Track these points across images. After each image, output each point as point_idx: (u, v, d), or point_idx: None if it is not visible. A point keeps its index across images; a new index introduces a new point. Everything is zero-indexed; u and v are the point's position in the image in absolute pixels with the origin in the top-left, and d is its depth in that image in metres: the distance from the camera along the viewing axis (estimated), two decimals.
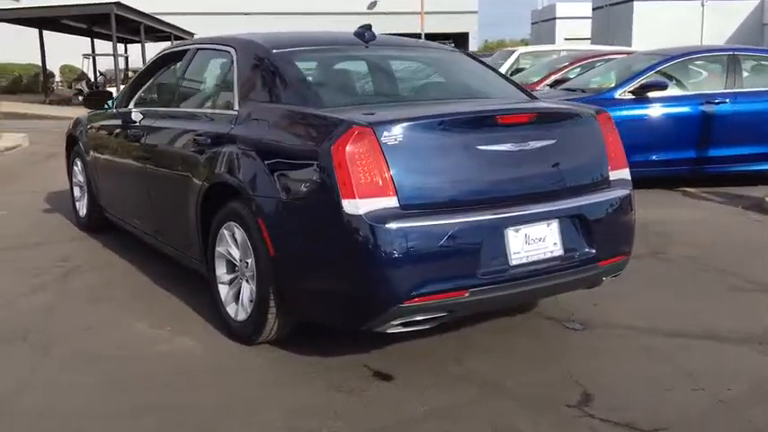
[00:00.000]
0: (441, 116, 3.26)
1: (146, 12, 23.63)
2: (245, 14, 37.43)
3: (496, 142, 3.26)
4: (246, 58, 3.87)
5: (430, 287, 3.04)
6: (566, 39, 51.84)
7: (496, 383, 3.24)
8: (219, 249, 3.73)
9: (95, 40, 28.44)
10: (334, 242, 3.05)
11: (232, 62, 3.97)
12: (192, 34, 31.92)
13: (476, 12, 50.71)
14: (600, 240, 3.53)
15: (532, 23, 67.15)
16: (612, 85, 8.01)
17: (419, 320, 3.13)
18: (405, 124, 3.11)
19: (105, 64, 29.55)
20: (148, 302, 4.30)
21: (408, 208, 3.02)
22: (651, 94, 7.77)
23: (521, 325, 3.94)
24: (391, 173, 3.00)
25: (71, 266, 5.07)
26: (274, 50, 3.85)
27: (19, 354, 3.61)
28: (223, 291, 3.76)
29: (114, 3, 20.16)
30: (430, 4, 46.98)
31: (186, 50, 4.64)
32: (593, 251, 3.49)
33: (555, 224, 3.38)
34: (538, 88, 10.02)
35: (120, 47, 26.27)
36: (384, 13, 47.30)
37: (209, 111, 4.13)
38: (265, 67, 3.73)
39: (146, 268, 4.93)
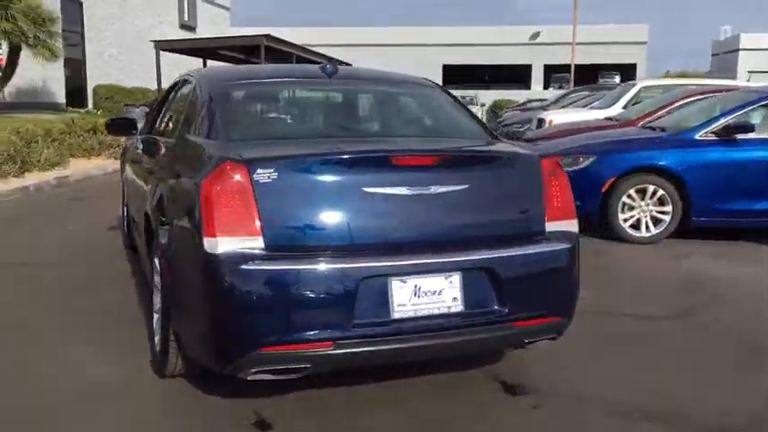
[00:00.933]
0: (322, 155, 3.10)
1: (296, 43, 24.82)
2: (399, 46, 38.28)
3: (389, 185, 3.03)
4: (198, 90, 3.91)
5: (290, 336, 2.88)
6: (749, 71, 48.11)
7: None
8: (155, 278, 3.77)
9: None
10: (196, 280, 2.98)
11: (191, 93, 4.04)
12: (348, 64, 33.19)
13: (645, 42, 48.55)
14: (516, 299, 3.19)
15: (713, 55, 63.02)
16: (695, 125, 7.28)
17: (283, 370, 2.97)
18: (282, 162, 2.99)
19: None
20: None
21: (275, 249, 2.89)
22: (739, 136, 6.98)
23: (459, 384, 3.63)
24: (260, 212, 2.88)
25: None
26: (217, 83, 3.87)
27: None
28: (154, 320, 3.79)
29: (264, 35, 21.37)
30: (598, 34, 45.68)
31: (178, 81, 4.78)
32: (506, 310, 3.16)
33: (456, 277, 3.09)
34: (640, 124, 9.36)
35: None
36: (545, 44, 46.61)
37: (167, 140, 4.21)
38: (203, 99, 3.73)
39: None
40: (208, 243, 2.86)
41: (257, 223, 2.87)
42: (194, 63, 26.32)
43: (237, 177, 2.89)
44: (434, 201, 3.11)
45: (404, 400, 3.43)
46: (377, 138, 3.82)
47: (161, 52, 21.45)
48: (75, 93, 24.86)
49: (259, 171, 2.91)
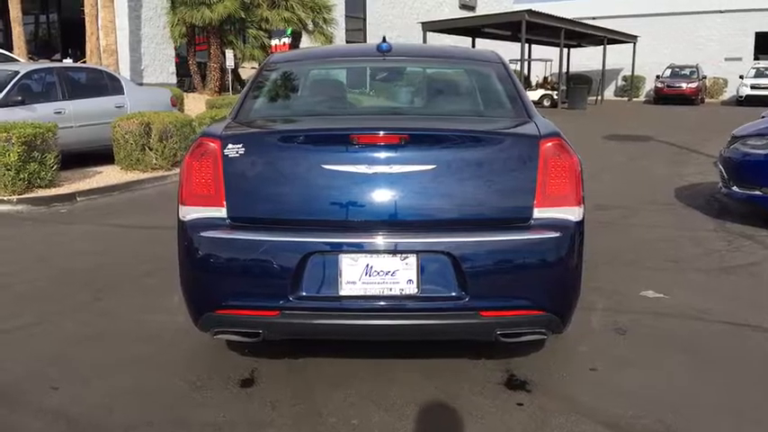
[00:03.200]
0: (285, 132, 3.20)
1: (568, 17, 24.10)
2: (696, 14, 34.73)
3: (349, 162, 3.05)
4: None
5: (241, 301, 3.07)
6: None
7: None
8: None
9: (533, 46, 30.00)
10: (177, 245, 3.29)
11: None
12: (633, 37, 31.29)
13: None
14: (481, 287, 3.02)
15: None
16: None
17: (238, 332, 3.17)
18: (250, 138, 3.17)
19: (538, 69, 30.97)
20: None
21: (237, 220, 3.09)
22: None
23: (460, 376, 3.53)
24: (226, 185, 3.10)
25: None
26: (271, 62, 4.12)
27: None
28: None
29: (526, 11, 21.16)
30: None
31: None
32: (467, 298, 3.01)
33: (412, 259, 3.02)
34: None
35: (554, 51, 27.10)
36: None
37: None
38: (258, 78, 4.02)
39: None
40: (180, 211, 3.17)
41: (222, 195, 3.09)
42: (466, 43, 26.95)
43: (209, 152, 3.13)
44: (396, 180, 3.05)
45: (388, 377, 3.43)
46: (392, 116, 3.76)
47: (430, 34, 22.31)
48: None
49: (230, 146, 3.12)
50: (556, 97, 25.95)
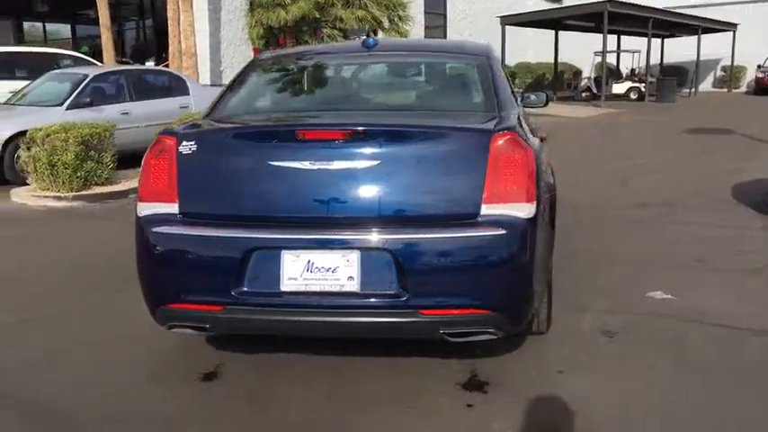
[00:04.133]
0: (236, 129, 3.24)
1: (655, 7, 23.16)
2: None
3: (293, 159, 3.06)
4: None
5: (189, 295, 3.15)
6: None
7: None
8: None
9: (622, 38, 29.00)
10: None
11: None
12: (732, 25, 29.69)
13: None
14: (422, 285, 2.98)
15: None
16: None
17: (189, 326, 3.24)
18: (204, 136, 3.25)
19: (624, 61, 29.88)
20: None
21: (188, 216, 3.16)
22: None
23: (425, 375, 3.48)
24: (179, 181, 3.18)
25: None
26: (257, 59, 4.19)
27: None
28: None
29: (607, 1, 20.48)
30: None
31: None
32: (407, 295, 2.97)
33: (354, 256, 3.00)
34: None
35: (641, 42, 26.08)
36: None
37: None
38: (239, 76, 4.08)
39: None
40: (137, 207, 3.27)
41: (175, 191, 3.17)
42: (547, 37, 26.37)
43: (165, 149, 3.22)
44: (340, 176, 3.05)
45: (353, 375, 3.43)
46: (353, 112, 3.73)
47: (509, 28, 21.96)
48: None
49: (184, 143, 3.20)
50: (643, 90, 24.97)
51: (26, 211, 7.97)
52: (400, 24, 20.71)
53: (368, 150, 3.06)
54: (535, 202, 3.07)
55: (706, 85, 32.89)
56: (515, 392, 3.24)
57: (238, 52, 19.23)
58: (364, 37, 4.07)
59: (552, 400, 3.19)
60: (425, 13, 26.17)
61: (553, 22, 23.84)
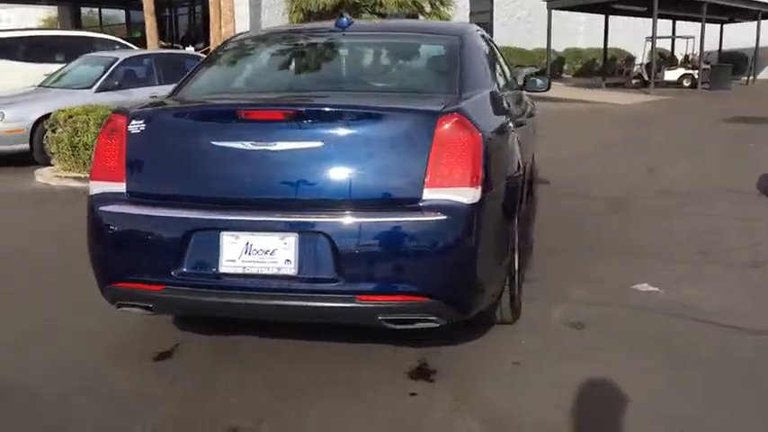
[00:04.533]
0: (181, 109, 3.21)
1: None
2: None
3: (235, 139, 3.02)
4: None
5: (133, 275, 3.14)
6: None
7: None
8: None
9: (678, 23, 28.07)
10: None
11: None
12: None
13: None
14: (359, 270, 2.91)
15: None
16: None
17: (135, 305, 3.23)
18: (152, 115, 3.23)
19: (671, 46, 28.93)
20: None
21: (134, 195, 3.15)
22: None
23: (375, 362, 3.41)
24: (127, 161, 3.17)
25: None
26: (230, 40, 4.16)
27: None
28: None
29: None
30: None
31: None
32: (343, 280, 2.91)
33: (292, 239, 2.95)
34: None
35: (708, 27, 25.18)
36: None
37: None
38: (211, 55, 4.07)
39: None
40: (90, 185, 3.28)
41: (123, 171, 3.17)
42: (595, 21, 25.67)
43: (116, 128, 3.21)
44: (280, 158, 3.00)
45: (304, 360, 3.39)
46: (314, 92, 3.65)
47: (555, 12, 21.49)
48: None
49: (133, 123, 3.19)
50: (697, 77, 24.14)
51: (48, 191, 8.15)
52: (441, 9, 20.45)
53: (309, 131, 3.01)
54: (480, 188, 2.96)
55: (766, 73, 31.63)
56: (463, 382, 3.16)
57: None
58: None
59: (500, 390, 3.09)
60: None
61: (601, 6, 23.17)
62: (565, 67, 28.09)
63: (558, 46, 26.91)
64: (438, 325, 3.07)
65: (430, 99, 3.30)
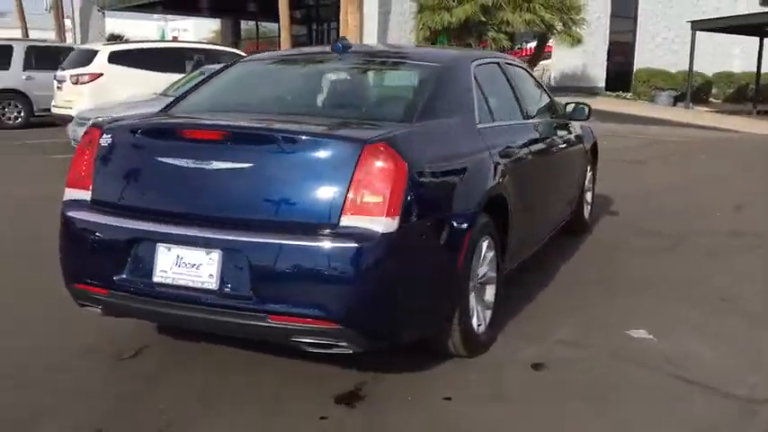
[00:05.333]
0: (137, 125, 3.40)
1: None
2: None
3: (177, 156, 3.20)
4: None
5: (87, 277, 3.38)
6: None
7: None
8: None
9: None
10: None
11: None
12: None
13: None
14: (271, 291, 2.99)
15: None
16: None
17: (89, 305, 3.45)
18: (117, 130, 3.46)
19: None
20: None
21: (96, 204, 3.40)
22: None
23: (312, 383, 3.45)
24: (94, 171, 3.44)
25: None
26: (236, 61, 4.38)
27: None
28: None
29: None
30: None
31: None
32: (256, 299, 2.99)
33: (216, 255, 3.07)
34: None
35: None
36: None
37: None
38: (211, 75, 4.30)
39: None
40: (64, 191, 3.57)
41: (90, 180, 3.44)
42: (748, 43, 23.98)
43: (91, 140, 3.49)
44: (213, 176, 3.13)
45: (247, 376, 3.49)
46: (284, 115, 3.73)
47: (700, 34, 20.37)
48: (619, 77, 25.46)
49: (104, 136, 3.45)
50: None
51: None
52: (573, 28, 19.96)
53: (240, 153, 3.12)
54: (399, 218, 2.94)
55: None
56: (381, 412, 3.12)
57: None
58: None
59: (408, 426, 3.02)
60: (612, 16, 24.97)
61: (753, 27, 21.59)
62: (714, 91, 26.40)
63: (709, 69, 25.40)
64: (351, 351, 3.07)
65: (372, 127, 3.31)
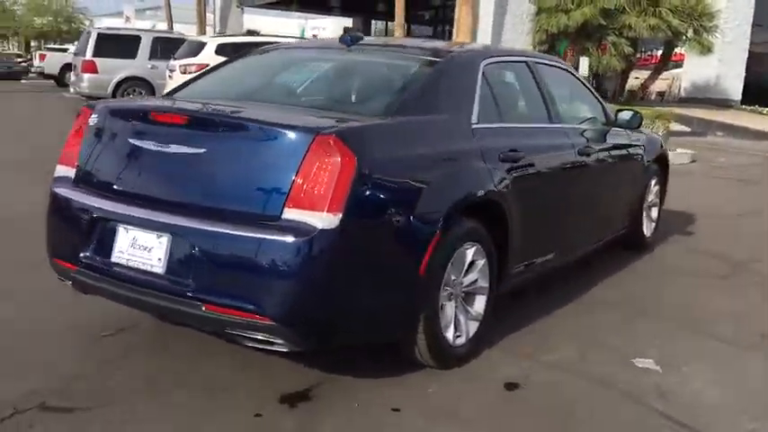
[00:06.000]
0: (114, 107, 3.44)
1: None
2: None
3: (143, 138, 3.22)
4: None
5: (60, 253, 3.47)
6: None
7: None
8: None
9: None
10: None
11: None
12: None
13: None
14: (208, 280, 2.94)
15: None
16: None
17: (66, 281, 3.52)
18: (102, 111, 3.51)
19: None
20: None
21: (77, 182, 3.49)
22: None
23: (265, 381, 3.37)
24: (80, 150, 3.52)
25: None
26: (252, 51, 4.39)
27: None
28: None
29: None
30: None
31: None
32: (195, 287, 2.95)
33: (166, 239, 3.06)
34: None
35: None
36: None
37: None
38: (223, 62, 4.34)
39: None
40: (56, 168, 3.68)
41: (76, 158, 3.53)
42: None
43: (82, 120, 3.58)
44: (172, 160, 3.14)
45: (203, 361, 3.47)
46: (267, 103, 3.65)
47: None
48: (758, 90, 23.65)
49: (92, 116, 3.53)
50: None
51: None
52: (704, 35, 18.73)
53: (197, 138, 3.10)
54: (341, 215, 2.80)
55: None
56: (319, 416, 3.00)
57: None
58: None
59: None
60: (755, 24, 23.24)
61: None
62: None
63: None
64: (287, 350, 2.96)
65: (338, 119, 3.17)
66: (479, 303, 3.64)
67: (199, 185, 3.06)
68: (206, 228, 2.95)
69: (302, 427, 2.91)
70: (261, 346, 3.02)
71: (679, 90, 23.74)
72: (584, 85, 5.08)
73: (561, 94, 4.62)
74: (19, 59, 40.33)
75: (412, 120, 3.30)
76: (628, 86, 21.54)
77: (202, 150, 3.05)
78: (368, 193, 2.90)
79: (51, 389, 3.12)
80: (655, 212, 6.15)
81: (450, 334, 3.44)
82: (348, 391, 3.22)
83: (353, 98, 3.75)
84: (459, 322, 3.52)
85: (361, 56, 4.04)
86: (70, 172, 3.52)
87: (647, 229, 6.02)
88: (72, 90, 18.42)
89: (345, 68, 4.09)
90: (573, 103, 4.79)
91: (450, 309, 3.45)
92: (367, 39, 4.07)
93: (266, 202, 2.89)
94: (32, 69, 33.13)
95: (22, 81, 30.70)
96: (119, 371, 3.33)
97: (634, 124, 5.08)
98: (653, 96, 24.33)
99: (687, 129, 18.81)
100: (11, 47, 60.14)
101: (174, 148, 3.11)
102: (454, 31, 18.50)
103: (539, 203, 4.10)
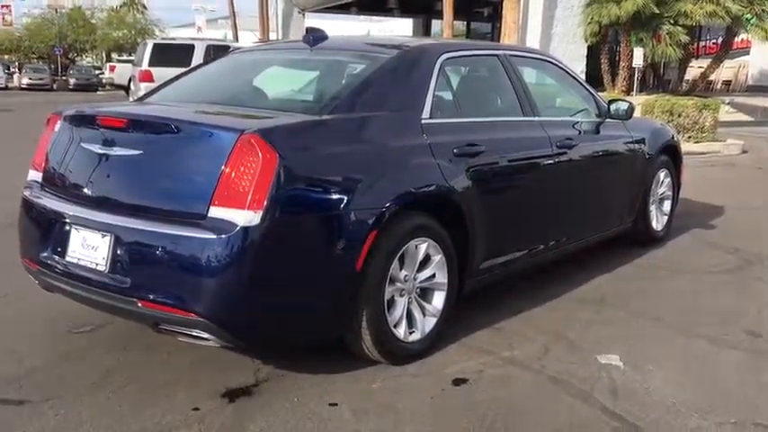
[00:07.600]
0: (73, 113, 3.55)
1: None
2: None
3: (93, 142, 3.35)
4: None
5: (27, 253, 3.63)
6: None
7: None
8: None
9: None
10: None
11: None
12: None
13: None
14: (142, 277, 3.05)
15: None
16: None
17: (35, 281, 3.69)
18: (65, 117, 3.66)
19: None
20: None
21: (43, 186, 3.65)
22: None
23: (219, 376, 3.44)
24: (48, 154, 3.69)
25: None
26: (229, 51, 4.46)
27: None
28: None
29: None
30: None
31: None
32: (129, 284, 3.05)
33: (109, 239, 3.16)
34: None
35: None
36: None
37: None
38: (198, 65, 4.45)
39: None
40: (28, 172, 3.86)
41: (43, 162, 3.69)
42: None
43: (50, 126, 3.74)
44: (115, 162, 3.26)
45: (156, 356, 3.56)
46: (217, 104, 3.72)
47: None
48: None
49: (59, 122, 3.69)
50: None
51: None
52: (767, 20, 17.90)
53: (138, 140, 3.21)
54: (262, 212, 2.84)
55: None
56: (254, 410, 3.04)
57: (569, 50, 18.74)
58: None
59: (276, 428, 2.91)
60: None
61: None
62: None
63: None
64: (218, 345, 3.02)
65: (268, 118, 3.21)
66: (438, 299, 3.62)
67: (137, 186, 3.16)
68: (139, 227, 3.05)
69: (233, 421, 2.96)
70: (195, 342, 3.08)
71: (746, 78, 22.77)
72: (574, 77, 4.95)
73: (543, 88, 4.53)
74: (97, 71, 42.14)
75: (350, 117, 3.31)
76: (690, 76, 20.81)
77: (139, 152, 3.15)
78: (293, 190, 2.93)
79: (8, 379, 3.28)
80: (667, 206, 5.94)
81: (401, 330, 3.43)
82: (294, 386, 3.25)
83: (298, 97, 3.79)
84: (414, 318, 3.51)
85: (319, 55, 4.07)
86: (38, 176, 3.69)
87: (658, 223, 5.82)
88: (131, 99, 19.10)
89: (301, 68, 4.13)
90: (557, 96, 4.68)
91: (401, 304, 3.44)
92: (333, 38, 4.07)
93: (195, 200, 2.97)
94: (104, 80, 34.60)
95: (98, 92, 32.08)
96: (77, 365, 3.46)
97: (625, 115, 4.93)
98: (718, 86, 23.42)
99: (750, 118, 18.05)
100: (92, 59, 62.91)
101: (116, 151, 3.23)
102: (502, 26, 18.24)
103: (508, 198, 4.03)
